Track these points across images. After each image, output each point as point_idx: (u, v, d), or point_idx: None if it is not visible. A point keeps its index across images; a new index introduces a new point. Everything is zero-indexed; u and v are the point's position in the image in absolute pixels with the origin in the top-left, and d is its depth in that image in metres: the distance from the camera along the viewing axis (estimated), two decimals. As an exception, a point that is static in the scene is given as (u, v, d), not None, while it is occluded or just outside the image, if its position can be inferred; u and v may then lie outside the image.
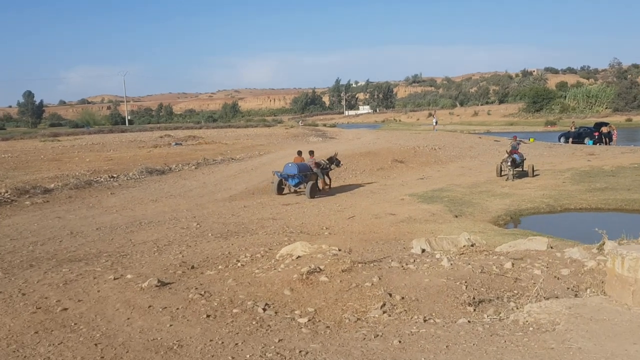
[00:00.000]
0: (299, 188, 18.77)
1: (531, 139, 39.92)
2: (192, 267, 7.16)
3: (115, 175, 19.43)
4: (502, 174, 21.88)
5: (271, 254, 7.70)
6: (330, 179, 19.96)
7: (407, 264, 6.50)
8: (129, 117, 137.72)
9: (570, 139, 39.46)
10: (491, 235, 12.56)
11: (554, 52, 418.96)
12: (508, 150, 22.54)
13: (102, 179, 18.54)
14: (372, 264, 6.28)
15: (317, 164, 19.12)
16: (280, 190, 18.66)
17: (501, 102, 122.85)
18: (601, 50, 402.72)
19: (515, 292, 5.62)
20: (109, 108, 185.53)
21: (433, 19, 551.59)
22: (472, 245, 7.77)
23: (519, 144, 23.89)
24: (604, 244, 7.44)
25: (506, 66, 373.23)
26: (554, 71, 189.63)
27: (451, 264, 6.41)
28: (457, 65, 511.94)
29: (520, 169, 22.74)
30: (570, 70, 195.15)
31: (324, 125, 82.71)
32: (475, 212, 15.73)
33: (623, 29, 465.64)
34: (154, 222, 12.52)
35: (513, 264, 6.57)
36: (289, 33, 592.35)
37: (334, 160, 20.22)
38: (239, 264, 7.13)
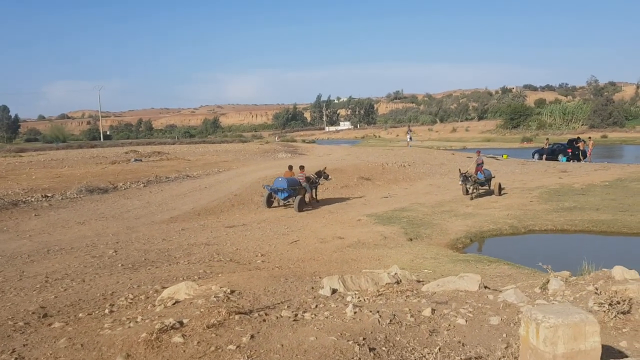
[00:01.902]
0: (288, 202, 19.16)
1: (504, 156, 39.18)
2: (45, 316, 5.89)
3: (49, 195, 17.99)
4: (471, 193, 20.86)
5: (159, 295, 6.46)
6: (317, 192, 20.58)
7: (304, 313, 5.28)
8: (108, 132, 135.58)
9: (544, 156, 38.75)
10: (442, 262, 11.45)
11: (534, 70, 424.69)
12: (462, 170, 21.32)
13: (32, 199, 17.10)
14: (255, 315, 5.05)
15: (307, 178, 19.71)
16: (269, 203, 19.24)
17: (480, 118, 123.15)
18: (579, 68, 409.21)
19: (424, 352, 4.42)
20: (88, 123, 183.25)
21: (415, 36, 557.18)
22: (396, 283, 6.57)
23: (482, 161, 22.87)
24: (548, 282, 6.30)
25: (486, 83, 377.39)
26: (533, 88, 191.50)
27: (355, 312, 5.20)
28: (438, 82, 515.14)
29: (487, 187, 21.75)
30: (549, 88, 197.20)
31: (303, 141, 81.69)
32: (433, 235, 14.64)
33: (600, 47, 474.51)
34: (65, 249, 11.17)
35: (433, 311, 5.38)
36: (272, 49, 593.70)
37: (322, 174, 20.85)
38: (106, 311, 5.89)
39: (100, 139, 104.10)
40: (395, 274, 6.90)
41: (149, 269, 9.39)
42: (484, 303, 5.64)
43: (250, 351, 4.20)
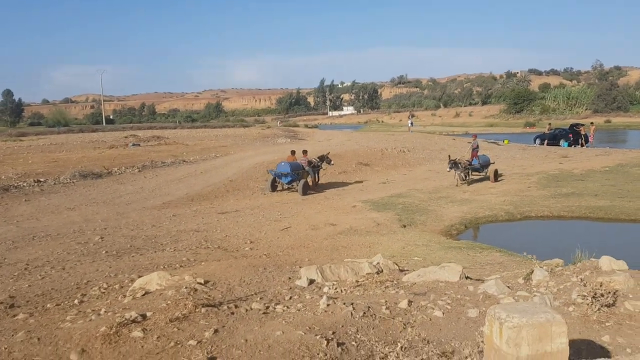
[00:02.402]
0: (292, 186, 19.32)
1: (505, 141, 38.85)
2: (12, 306, 5.72)
3: (42, 180, 17.84)
4: (462, 181, 20.44)
5: (132, 285, 6.31)
6: (319, 177, 20.64)
7: (276, 305, 5.11)
8: (111, 117, 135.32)
9: (546, 141, 38.38)
10: (434, 249, 11.28)
11: (538, 54, 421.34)
12: (453, 157, 20.69)
13: (24, 184, 16.96)
14: (224, 307, 4.88)
15: (310, 163, 19.81)
16: (274, 187, 19.43)
17: (484, 103, 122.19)
18: (584, 53, 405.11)
19: (395, 347, 4.25)
20: (92, 107, 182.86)
21: (420, 21, 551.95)
22: (377, 273, 6.40)
23: (477, 146, 22.52)
24: (532, 272, 6.11)
25: (491, 68, 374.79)
26: (538, 73, 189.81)
27: (329, 304, 5.03)
28: (442, 67, 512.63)
29: (484, 174, 21.42)
30: (554, 72, 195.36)
31: (306, 126, 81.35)
32: (427, 221, 14.45)
33: (606, 31, 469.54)
34: (51, 235, 11.03)
35: (410, 302, 5.20)
36: (277, 34, 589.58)
37: (324, 159, 20.87)
38: (76, 302, 5.73)
39: (102, 123, 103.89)
40: (378, 263, 6.73)
41: (133, 256, 9.25)
42: (463, 294, 5.46)
43: (211, 347, 4.04)
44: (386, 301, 5.26)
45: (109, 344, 4.02)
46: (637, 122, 65.61)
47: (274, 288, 5.72)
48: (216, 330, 4.30)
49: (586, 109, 79.82)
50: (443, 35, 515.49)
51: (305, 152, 20.42)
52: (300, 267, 6.89)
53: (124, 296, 5.62)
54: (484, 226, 14.63)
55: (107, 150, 29.49)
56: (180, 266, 8.14)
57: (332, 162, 21.66)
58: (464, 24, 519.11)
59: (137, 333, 4.18)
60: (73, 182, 18.31)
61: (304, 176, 19.39)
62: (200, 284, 5.66)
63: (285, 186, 19.51)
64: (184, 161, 24.54)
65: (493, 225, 14.70)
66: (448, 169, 20.16)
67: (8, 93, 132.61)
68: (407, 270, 7.15)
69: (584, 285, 5.51)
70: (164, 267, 8.02)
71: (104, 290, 6.23)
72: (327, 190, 20.25)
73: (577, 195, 17.04)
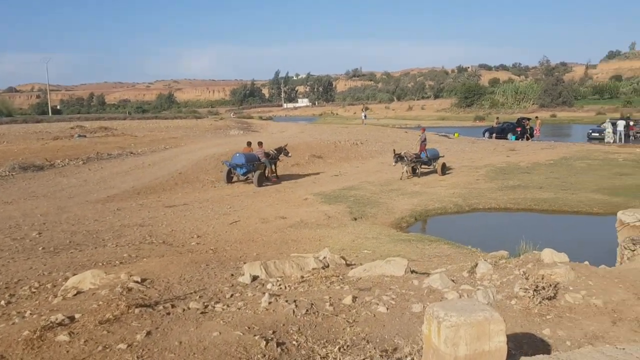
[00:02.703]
0: (247, 177, 19.26)
1: (456, 134, 39.56)
2: None
3: (-23, 173, 16.93)
4: (407, 175, 20.41)
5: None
6: (276, 168, 20.63)
7: (215, 304, 4.92)
8: (58, 107, 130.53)
9: (494, 135, 39.30)
10: (383, 242, 11.29)
11: (489, 50, 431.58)
12: (398, 151, 20.58)
13: (-43, 177, 16.05)
14: (160, 307, 4.65)
15: (266, 154, 19.73)
16: (229, 179, 19.41)
17: (436, 97, 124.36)
18: (532, 49, 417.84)
19: (336, 346, 4.13)
20: (38, 97, 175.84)
21: (374, 14, 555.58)
22: (323, 268, 6.28)
23: (425, 139, 22.72)
24: (476, 265, 6.13)
25: (443, 62, 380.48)
26: (488, 68, 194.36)
27: (270, 302, 4.87)
28: (396, 61, 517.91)
29: (432, 167, 21.55)
30: (503, 67, 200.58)
31: (260, 117, 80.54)
32: (378, 214, 14.49)
33: (553, 28, 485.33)
34: (-16, 231, 10.44)
35: (355, 298, 5.11)
36: (230, 24, 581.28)
37: (282, 151, 20.91)
38: (2, 303, 5.37)
39: (49, 113, 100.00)
40: (325, 257, 6.62)
41: (72, 252, 8.83)
42: (408, 289, 5.41)
43: (142, 350, 3.82)
44: (330, 297, 5.15)
45: (31, 350, 3.75)
46: (581, 116, 68.11)
47: (215, 286, 5.52)
48: (149, 333, 4.08)
49: (533, 104, 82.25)
50: (397, 28, 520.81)
51: (260, 143, 20.28)
52: (245, 262, 6.69)
53: (55, 296, 5.30)
54: (434, 218, 14.79)
55: (51, 141, 28.28)
56: (121, 263, 7.81)
57: (289, 154, 21.66)
58: (417, 18, 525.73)
59: (62, 337, 3.91)
60: (12, 174, 17.44)
61: (260, 168, 19.31)
62: (137, 282, 5.40)
63: (242, 177, 19.43)
64: (132, 153, 23.79)
65: (442, 218, 14.88)
66: (393, 163, 20.07)
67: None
68: (354, 264, 7.07)
69: (526, 279, 5.56)
70: (103, 264, 7.67)
71: (34, 290, 5.86)
72: (278, 183, 20.04)
73: (523, 188, 17.46)
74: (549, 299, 5.24)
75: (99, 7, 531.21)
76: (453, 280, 5.61)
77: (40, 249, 9.05)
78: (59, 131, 37.13)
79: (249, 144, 20.65)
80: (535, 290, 5.27)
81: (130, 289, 5.14)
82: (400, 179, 19.81)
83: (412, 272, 5.98)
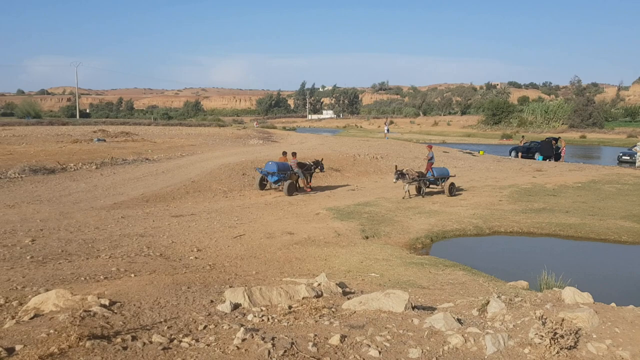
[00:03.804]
0: (279, 185, 19.58)
1: (481, 152, 38.57)
2: None
3: (-14, 174, 16.73)
4: (411, 194, 19.22)
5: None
6: (310, 180, 20.98)
7: (184, 337, 4.32)
8: (87, 110, 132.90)
9: (520, 154, 38.21)
10: (394, 264, 10.59)
11: (519, 67, 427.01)
12: (402, 169, 19.23)
13: (-35, 178, 15.84)
14: (118, 339, 4.07)
15: (300, 165, 20.19)
16: (262, 186, 19.87)
17: (463, 113, 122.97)
18: (563, 68, 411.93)
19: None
20: (68, 100, 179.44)
21: (403, 29, 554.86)
22: (316, 297, 5.64)
23: (432, 157, 21.77)
24: (487, 303, 5.42)
25: (472, 78, 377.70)
26: (517, 86, 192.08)
27: (245, 339, 4.25)
28: (424, 75, 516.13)
29: (440, 187, 20.33)
30: (533, 86, 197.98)
31: (284, 128, 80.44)
32: (392, 233, 13.77)
33: (585, 49, 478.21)
34: (-23, 236, 10.05)
35: (343, 338, 4.46)
36: (259, 35, 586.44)
37: (318, 164, 21.31)
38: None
39: (76, 116, 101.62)
40: (319, 284, 5.97)
41: (60, 263, 8.34)
42: (406, 329, 4.73)
43: (77, 398, 3.23)
44: (315, 335, 4.51)
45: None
46: (612, 138, 66.15)
47: (189, 314, 4.92)
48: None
49: (562, 124, 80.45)
50: (426, 44, 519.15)
51: (294, 154, 20.79)
52: (230, 286, 6.09)
53: (13, 317, 4.76)
54: (451, 240, 14.01)
55: (69, 144, 28.28)
56: (105, 278, 7.27)
57: (323, 170, 22.03)
58: (448, 34, 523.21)
59: (-12, 376, 3.37)
60: (21, 177, 17.20)
61: (292, 177, 19.72)
62: (104, 306, 4.83)
63: (274, 185, 19.79)
64: (147, 159, 23.51)
65: (460, 240, 14.10)
66: (394, 180, 18.64)
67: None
68: (354, 292, 6.41)
69: (544, 323, 4.83)
70: (85, 278, 7.14)
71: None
72: (292, 195, 19.49)
73: (548, 211, 16.57)
74: (569, 348, 4.53)
75: (134, 16, 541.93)
76: (459, 321, 4.91)
77: (28, 257, 8.60)
78: (80, 134, 37.36)
79: (285, 153, 21.25)
80: (553, 337, 4.56)
81: (93, 314, 4.58)
82: (403, 197, 18.60)
83: (414, 308, 5.29)
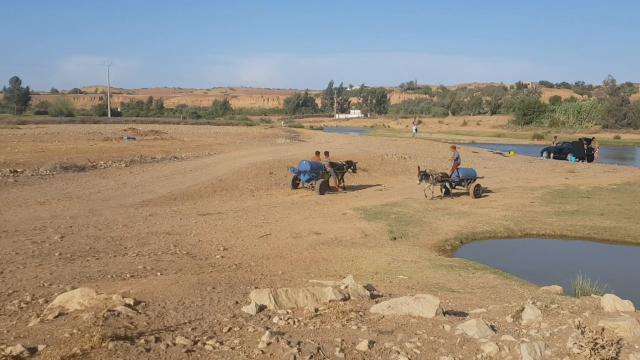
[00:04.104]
0: (311, 184, 19.73)
1: (511, 152, 37.83)
2: None
3: (19, 170, 17.00)
4: (434, 195, 18.62)
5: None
6: (343, 180, 21.13)
7: (208, 339, 4.22)
8: (119, 109, 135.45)
9: (552, 154, 37.36)
10: (422, 267, 10.37)
11: (550, 67, 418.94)
12: (423, 169, 18.82)
13: (-1, 174, 16.14)
14: (141, 341, 4.00)
15: (332, 164, 20.40)
16: (295, 185, 20.10)
17: (493, 113, 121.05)
18: (596, 67, 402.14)
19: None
20: (100, 99, 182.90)
21: (431, 28, 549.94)
22: (343, 300, 5.49)
23: (458, 157, 21.29)
24: (522, 310, 5.19)
25: (502, 78, 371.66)
26: (549, 85, 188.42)
27: (270, 343, 4.13)
28: (453, 75, 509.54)
29: (467, 188, 19.73)
30: (565, 85, 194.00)
31: (311, 127, 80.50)
32: (420, 234, 13.52)
33: (619, 47, 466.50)
34: (8, 231, 10.16)
35: (371, 344, 4.30)
36: (287, 34, 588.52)
37: (351, 164, 21.56)
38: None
39: (108, 115, 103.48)
40: (346, 287, 5.82)
41: (87, 260, 8.37)
42: (437, 336, 4.55)
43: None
44: (343, 340, 4.36)
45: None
46: (647, 139, 64.29)
47: (214, 315, 4.82)
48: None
49: (596, 124, 78.54)
50: (454, 43, 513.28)
51: (327, 153, 21.03)
52: (256, 287, 5.98)
53: (38, 316, 4.75)
54: (481, 242, 13.69)
55: (100, 142, 28.70)
56: (132, 276, 7.26)
57: (356, 170, 22.37)
58: (476, 33, 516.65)
59: (9, 377, 3.31)
60: (52, 174, 17.47)
61: (324, 176, 19.93)
62: (129, 305, 4.78)
63: (306, 185, 19.99)
64: (176, 157, 23.69)
65: (491, 242, 13.77)
66: (417, 182, 18.23)
67: (16, 80, 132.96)
68: (382, 295, 6.24)
69: (582, 332, 4.59)
70: (112, 276, 7.14)
71: (23, 306, 5.34)
72: (325, 194, 19.37)
73: (582, 214, 16.10)
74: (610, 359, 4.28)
75: (162, 15, 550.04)
76: (493, 328, 4.71)
77: (57, 254, 8.66)
78: (111, 132, 37.90)
79: (317, 153, 21.39)
80: (593, 348, 4.32)
81: (117, 314, 4.52)
82: (425, 197, 18.25)
83: (445, 313, 5.09)
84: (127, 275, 7.28)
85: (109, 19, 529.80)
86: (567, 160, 36.12)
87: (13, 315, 4.98)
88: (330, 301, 5.38)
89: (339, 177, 20.87)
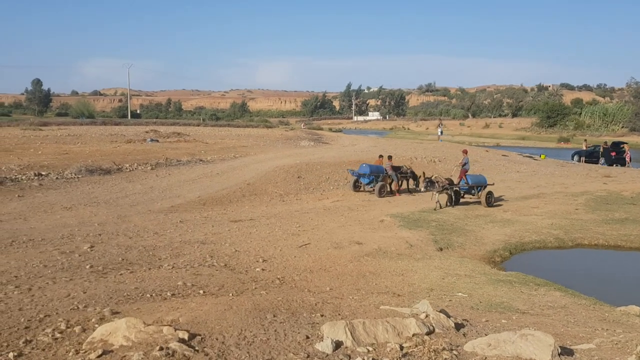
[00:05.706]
0: (371, 187, 19.80)
1: (542, 156, 36.68)
2: None
3: (44, 174, 16.46)
4: (441, 205, 16.98)
5: (94, 332, 4.69)
6: (401, 184, 20.86)
7: (285, 388, 3.45)
8: (138, 111, 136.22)
9: (583, 158, 36.11)
10: (479, 282, 9.51)
11: (571, 69, 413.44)
12: (430, 176, 17.21)
13: (23, 177, 15.57)
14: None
15: (395, 168, 20.29)
16: (356, 187, 20.20)
17: (514, 115, 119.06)
18: (618, 70, 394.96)
19: None
20: (120, 101, 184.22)
21: (449, 30, 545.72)
22: (428, 334, 4.68)
23: (466, 163, 20.20)
24: (649, 350, 4.32)
25: (522, 80, 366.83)
26: (570, 87, 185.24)
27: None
28: (472, 77, 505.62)
29: (477, 197, 18.06)
30: (586, 88, 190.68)
31: (330, 129, 79.78)
32: (466, 244, 12.66)
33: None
34: (34, 240, 9.53)
35: (484, 398, 3.49)
36: (304, 36, 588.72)
37: (413, 173, 21.16)
38: (11, 356, 4.15)
39: (128, 116, 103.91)
40: (427, 316, 5.01)
41: (121, 274, 7.67)
42: (560, 388, 3.72)
43: None
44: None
45: None
46: (678, 142, 62.32)
47: (284, 355, 4.04)
48: None
49: (622, 127, 76.54)
50: (473, 45, 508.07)
51: (390, 157, 21.05)
52: (322, 315, 5.19)
53: (76, 352, 4.02)
54: (532, 253, 12.79)
55: (124, 144, 28.23)
56: (172, 295, 6.53)
57: (417, 179, 21.74)
58: (495, 35, 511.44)
59: None
60: (78, 177, 16.89)
61: (385, 180, 19.91)
62: (182, 340, 4.02)
63: (367, 188, 20.03)
64: (201, 160, 23.04)
65: (542, 253, 12.87)
66: (422, 189, 16.84)
67: (37, 82, 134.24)
68: (464, 326, 5.39)
69: None
70: (151, 295, 6.41)
71: (58, 335, 4.60)
72: (350, 200, 18.58)
73: (633, 222, 15.09)
74: None
75: (180, 17, 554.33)
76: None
77: (87, 267, 7.97)
78: (133, 134, 37.53)
79: (381, 156, 21.42)
80: None
81: (172, 353, 3.77)
82: (434, 209, 16.53)
83: (560, 354, 4.24)
84: (168, 293, 6.55)
85: (129, 22, 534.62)
86: (598, 164, 34.87)
87: (47, 350, 4.26)
88: (414, 335, 4.58)
89: (400, 182, 20.59)
